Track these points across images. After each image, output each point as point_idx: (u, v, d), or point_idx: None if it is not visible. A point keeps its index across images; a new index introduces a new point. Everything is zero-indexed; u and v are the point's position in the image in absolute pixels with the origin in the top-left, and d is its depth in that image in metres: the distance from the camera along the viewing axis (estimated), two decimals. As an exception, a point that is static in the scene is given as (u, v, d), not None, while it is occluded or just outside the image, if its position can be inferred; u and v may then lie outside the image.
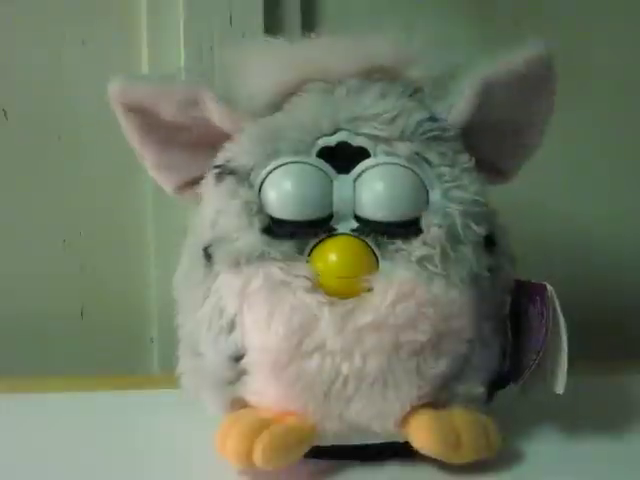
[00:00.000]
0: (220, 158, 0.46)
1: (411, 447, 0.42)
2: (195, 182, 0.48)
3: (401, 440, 0.42)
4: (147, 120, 0.48)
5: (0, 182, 0.68)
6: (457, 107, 0.46)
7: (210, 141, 0.47)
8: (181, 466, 0.45)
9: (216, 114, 0.46)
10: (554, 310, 0.44)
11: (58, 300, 0.69)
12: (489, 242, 0.44)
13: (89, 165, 0.68)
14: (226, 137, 0.46)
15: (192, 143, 0.48)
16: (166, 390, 0.52)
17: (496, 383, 0.45)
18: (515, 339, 0.46)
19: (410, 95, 0.46)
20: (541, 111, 0.49)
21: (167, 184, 0.49)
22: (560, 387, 0.44)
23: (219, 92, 0.46)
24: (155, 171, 0.49)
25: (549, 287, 0.45)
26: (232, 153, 0.45)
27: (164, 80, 0.48)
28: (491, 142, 0.48)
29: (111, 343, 0.69)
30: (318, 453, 0.43)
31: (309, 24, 0.67)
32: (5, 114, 0.67)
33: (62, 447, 0.48)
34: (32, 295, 0.68)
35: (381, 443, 0.43)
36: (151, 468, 0.45)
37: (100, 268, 0.69)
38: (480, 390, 0.44)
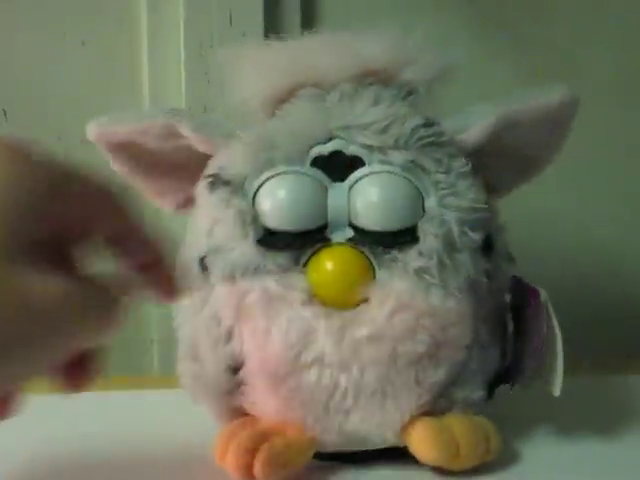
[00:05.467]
0: (213, 166, 0.45)
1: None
2: (194, 199, 0.47)
3: (401, 446, 0.42)
4: (132, 153, 0.48)
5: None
6: (475, 129, 0.45)
7: (198, 162, 0.46)
8: (181, 466, 0.45)
9: (195, 142, 0.46)
10: (548, 316, 0.44)
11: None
12: (486, 246, 0.44)
13: (89, 165, 0.68)
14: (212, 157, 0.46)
15: (181, 167, 0.47)
16: (166, 390, 0.52)
17: (496, 381, 0.45)
18: (515, 335, 0.46)
19: (404, 98, 0.45)
20: (551, 150, 0.50)
21: (166, 207, 0.50)
22: (557, 390, 0.44)
23: (193, 120, 0.46)
24: (151, 198, 0.50)
25: (543, 293, 0.45)
26: (225, 161, 0.45)
27: (140, 118, 0.48)
28: (495, 167, 0.47)
29: (111, 344, 0.69)
30: (318, 453, 0.43)
31: (309, 24, 0.67)
32: (5, 114, 0.67)
33: (62, 447, 0.48)
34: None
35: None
36: (151, 468, 0.45)
37: (100, 268, 0.69)
38: (479, 394, 0.44)
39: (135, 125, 0.47)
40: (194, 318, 0.44)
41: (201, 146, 0.46)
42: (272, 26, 0.66)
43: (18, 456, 0.47)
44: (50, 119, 0.68)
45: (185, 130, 0.46)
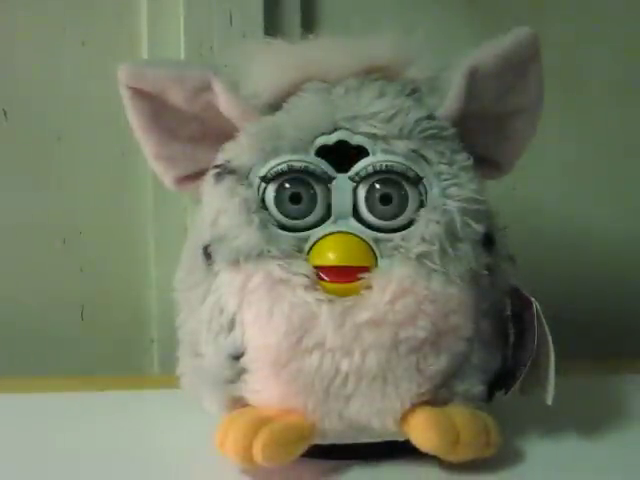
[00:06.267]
0: (219, 158, 0.46)
1: (411, 446, 0.42)
2: (195, 177, 0.48)
3: (401, 438, 0.42)
4: (154, 107, 0.47)
5: (0, 182, 0.68)
6: (449, 97, 0.46)
7: (214, 134, 0.47)
8: (181, 466, 0.45)
9: (224, 103, 0.46)
10: (540, 326, 0.45)
11: (58, 300, 0.69)
12: (488, 241, 0.44)
13: (89, 165, 0.68)
14: (230, 132, 0.46)
15: (195, 137, 0.48)
16: (166, 390, 0.52)
17: (496, 384, 0.46)
18: (516, 342, 0.46)
19: (408, 94, 0.46)
20: (531, 95, 0.49)
21: (166, 176, 0.49)
22: (549, 399, 0.45)
23: (229, 82, 0.46)
24: (155, 162, 0.49)
25: (535, 303, 0.45)
26: (231, 153, 0.45)
27: (176, 65, 0.47)
28: (485, 134, 0.48)
29: (111, 343, 0.69)
30: (318, 453, 0.43)
31: (309, 24, 0.67)
32: (5, 114, 0.67)
33: (62, 447, 0.48)
34: (32, 295, 0.68)
35: (381, 442, 0.43)
36: (151, 468, 0.45)
37: (100, 268, 0.69)
38: (480, 389, 0.44)
39: (172, 71, 0.46)
40: (195, 313, 0.44)
41: (229, 109, 0.46)
42: (272, 26, 0.66)
43: (18, 455, 0.47)
44: (50, 119, 0.68)
45: (220, 87, 0.45)
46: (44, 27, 0.67)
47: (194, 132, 0.48)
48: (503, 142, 0.49)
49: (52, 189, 0.68)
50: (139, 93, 0.47)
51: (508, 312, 0.46)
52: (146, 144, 0.48)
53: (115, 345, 0.69)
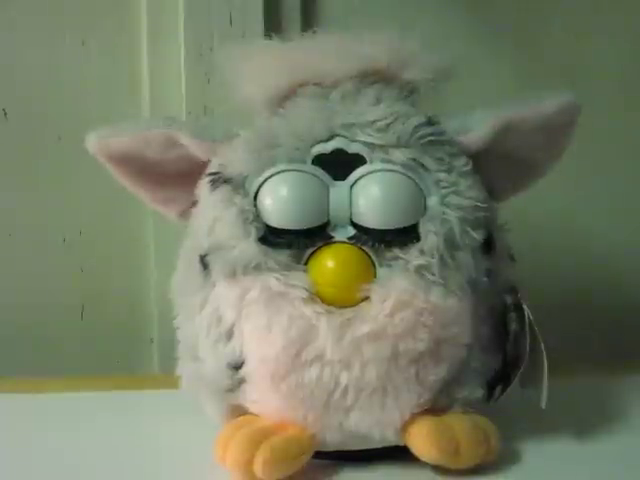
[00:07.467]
0: (214, 164, 0.45)
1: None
2: (195, 205, 0.47)
3: (401, 444, 0.42)
4: (135, 164, 0.47)
5: (0, 182, 0.68)
6: (476, 132, 0.45)
7: (201, 170, 0.46)
8: (181, 466, 0.45)
9: (195, 149, 0.46)
10: (532, 332, 0.45)
11: (58, 300, 0.69)
12: (487, 245, 0.44)
13: (89, 165, 0.68)
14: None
15: (184, 174, 0.47)
16: (166, 390, 0.52)
17: (496, 381, 0.45)
18: (515, 340, 0.46)
19: (405, 97, 0.46)
20: (554, 154, 0.49)
21: (169, 214, 0.50)
22: (543, 402, 0.45)
23: (193, 130, 0.46)
24: (154, 206, 0.50)
25: (527, 311, 0.45)
26: (226, 159, 0.45)
27: (138, 129, 0.47)
28: (493, 172, 0.47)
29: (111, 343, 0.69)
30: (318, 453, 0.43)
31: (309, 24, 0.67)
32: (5, 114, 0.67)
33: (62, 447, 0.48)
34: (32, 295, 0.68)
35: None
36: (151, 468, 0.45)
37: (100, 268, 0.69)
38: (479, 393, 0.44)
39: (134, 136, 0.47)
40: (193, 319, 0.44)
41: (201, 152, 0.46)
42: (272, 26, 0.66)
43: (18, 455, 0.47)
44: (50, 119, 0.68)
45: (184, 138, 0.46)
46: (44, 27, 0.67)
47: (181, 171, 0.47)
48: (509, 182, 0.49)
49: (52, 189, 0.68)
50: (114, 159, 0.47)
51: (509, 311, 0.46)
52: (139, 195, 0.49)
53: (115, 345, 0.69)
